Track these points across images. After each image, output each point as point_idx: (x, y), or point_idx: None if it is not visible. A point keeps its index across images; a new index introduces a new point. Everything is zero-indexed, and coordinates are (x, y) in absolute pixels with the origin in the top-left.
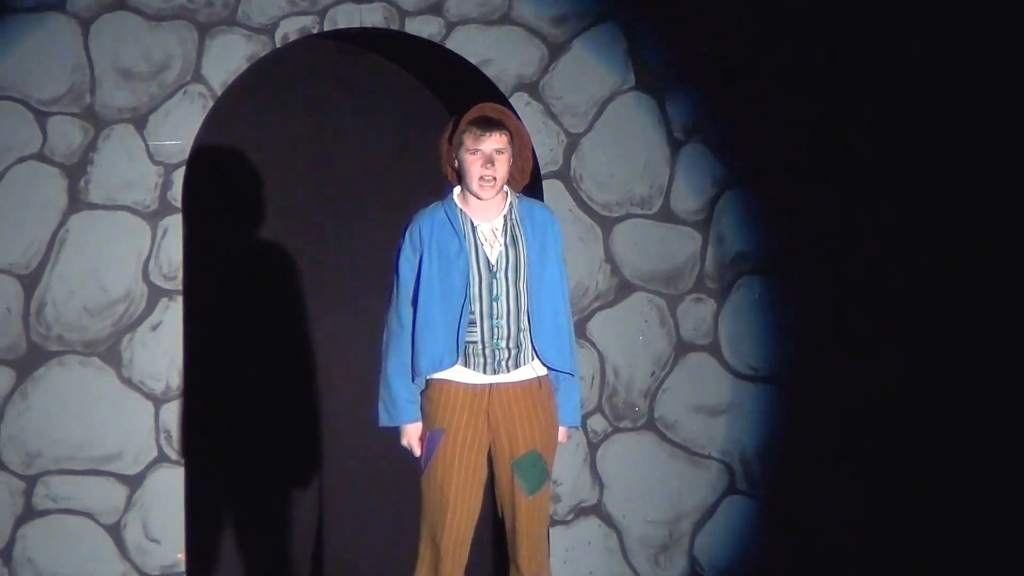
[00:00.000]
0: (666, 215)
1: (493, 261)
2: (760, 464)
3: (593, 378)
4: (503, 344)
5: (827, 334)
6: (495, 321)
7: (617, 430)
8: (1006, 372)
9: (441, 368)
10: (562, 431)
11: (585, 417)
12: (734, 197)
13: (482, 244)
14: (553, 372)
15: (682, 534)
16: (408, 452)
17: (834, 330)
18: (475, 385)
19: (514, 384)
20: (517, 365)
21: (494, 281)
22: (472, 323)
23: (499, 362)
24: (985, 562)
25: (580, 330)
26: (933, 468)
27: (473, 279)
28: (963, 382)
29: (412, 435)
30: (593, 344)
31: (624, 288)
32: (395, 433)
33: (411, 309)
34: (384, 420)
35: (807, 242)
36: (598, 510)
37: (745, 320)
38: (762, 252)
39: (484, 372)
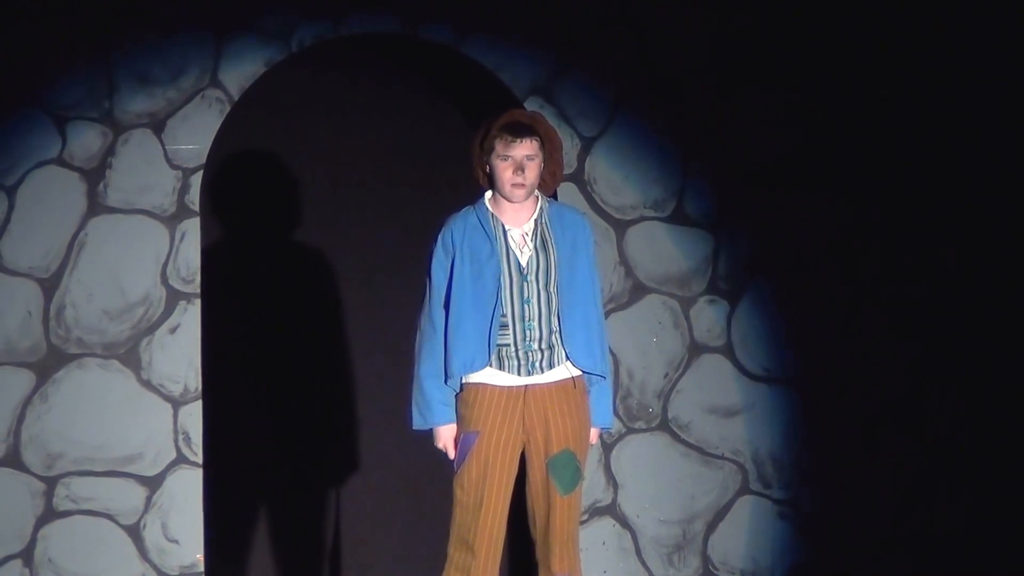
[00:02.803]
0: (679, 218)
1: (524, 264)
2: (773, 464)
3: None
4: (535, 346)
5: (840, 335)
6: (527, 324)
7: (631, 431)
8: (1022, 371)
9: (473, 370)
10: (593, 432)
11: None
12: (747, 199)
13: (513, 247)
14: (585, 375)
15: (696, 534)
16: (437, 453)
17: (847, 331)
18: (510, 387)
19: (549, 384)
20: (551, 366)
21: (525, 284)
22: (504, 326)
23: (532, 363)
24: (1002, 563)
25: None
26: (947, 468)
27: (504, 282)
28: (978, 382)
29: (447, 437)
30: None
31: (638, 290)
32: (414, 435)
33: (443, 312)
34: (418, 423)
35: (820, 244)
36: (612, 510)
37: (758, 322)
38: (775, 254)
39: (519, 374)
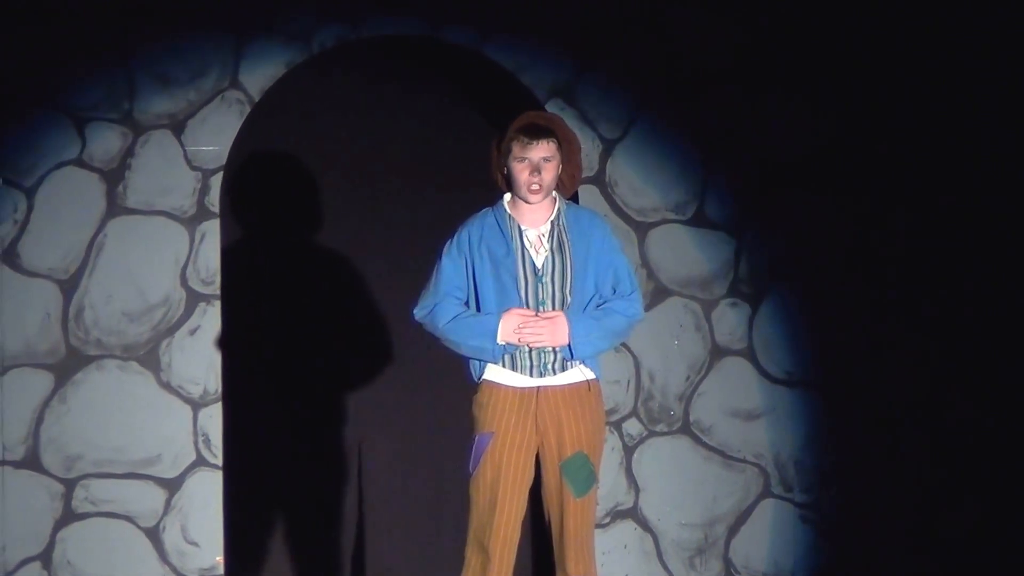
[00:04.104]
0: (701, 220)
1: (539, 266)
2: (795, 468)
3: (629, 382)
4: (548, 347)
5: (862, 338)
6: None
7: (652, 434)
8: None
9: (496, 363)
10: (560, 318)
11: (620, 421)
12: (769, 202)
13: (528, 249)
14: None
15: (717, 538)
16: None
17: (869, 334)
18: (523, 388)
19: (561, 387)
20: (564, 368)
21: (540, 285)
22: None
23: (545, 365)
24: None
25: None
26: (969, 471)
27: (520, 283)
28: (1001, 385)
29: (512, 316)
30: (628, 349)
31: (659, 293)
32: (434, 437)
33: (447, 288)
34: (487, 349)
35: (842, 246)
36: (634, 513)
37: (780, 325)
38: (797, 257)
39: (531, 375)
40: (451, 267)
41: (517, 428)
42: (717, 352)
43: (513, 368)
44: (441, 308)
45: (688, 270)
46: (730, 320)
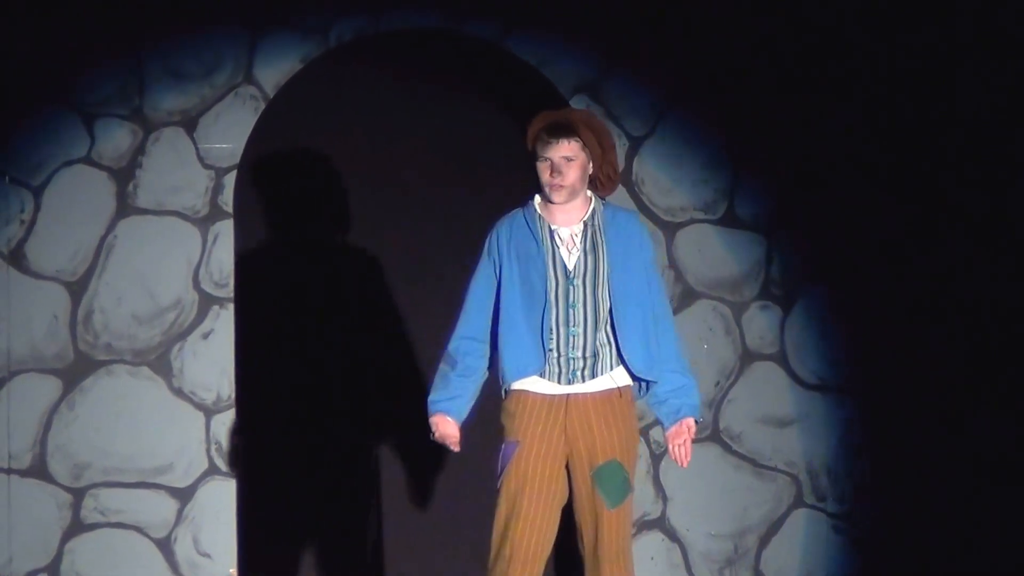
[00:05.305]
0: (731, 220)
1: (571, 267)
2: (828, 477)
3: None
4: (578, 353)
5: (898, 342)
6: (571, 329)
7: None
8: None
9: (526, 374)
10: (688, 424)
11: (648, 428)
12: (801, 201)
13: (559, 249)
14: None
15: (748, 549)
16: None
17: (904, 338)
18: (552, 396)
19: (592, 394)
20: (593, 375)
21: (571, 288)
22: (549, 330)
23: (574, 372)
24: None
25: None
26: (1009, 481)
27: (550, 285)
28: None
29: (439, 425)
30: None
31: (688, 295)
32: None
33: (478, 319)
34: (429, 409)
35: (876, 247)
36: (661, 524)
37: (812, 328)
38: (830, 258)
39: (559, 382)
40: (484, 284)
41: (544, 437)
42: (748, 357)
43: (541, 375)
44: (453, 350)
45: (717, 271)
46: (761, 323)
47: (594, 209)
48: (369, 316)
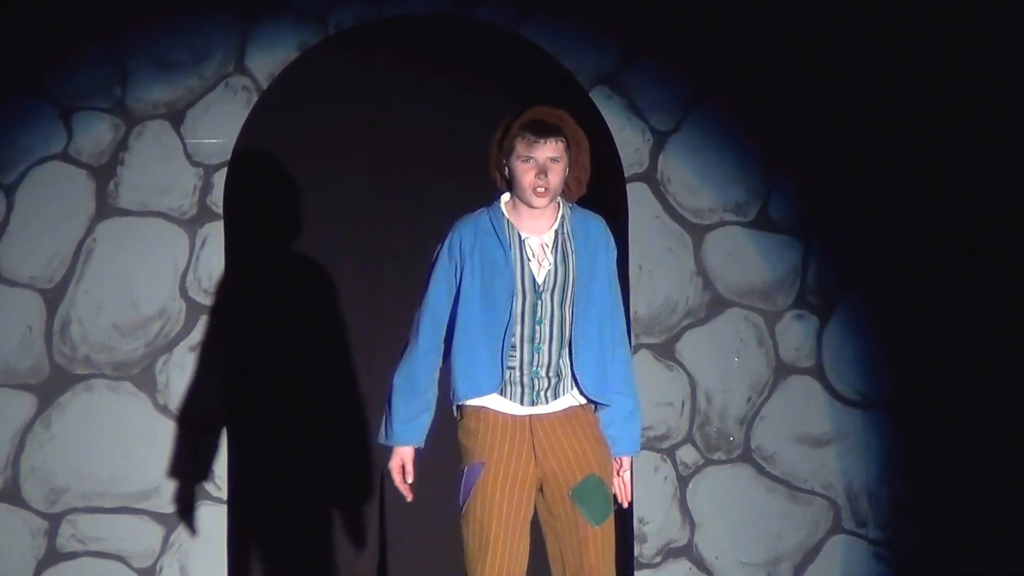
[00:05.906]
0: (764, 223)
1: (540, 281)
2: (869, 500)
3: (683, 404)
4: (542, 372)
5: (943, 355)
6: (536, 346)
7: (710, 462)
8: None
9: (480, 394)
10: (625, 461)
11: (674, 448)
12: (839, 202)
13: (529, 260)
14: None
15: None
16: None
17: (951, 350)
18: (514, 416)
19: (555, 413)
20: (556, 396)
21: (539, 302)
22: (512, 347)
23: (537, 392)
24: None
25: (668, 351)
26: None
27: (516, 299)
28: None
29: (396, 460)
30: (683, 367)
31: (717, 304)
32: (455, 460)
33: (435, 325)
34: (380, 437)
35: (920, 252)
36: (688, 551)
37: (852, 339)
38: (870, 264)
39: (521, 403)
40: (441, 283)
41: (511, 458)
42: (782, 370)
43: (501, 393)
44: (410, 359)
45: (750, 278)
46: (796, 334)
47: (563, 215)
48: (369, 326)
